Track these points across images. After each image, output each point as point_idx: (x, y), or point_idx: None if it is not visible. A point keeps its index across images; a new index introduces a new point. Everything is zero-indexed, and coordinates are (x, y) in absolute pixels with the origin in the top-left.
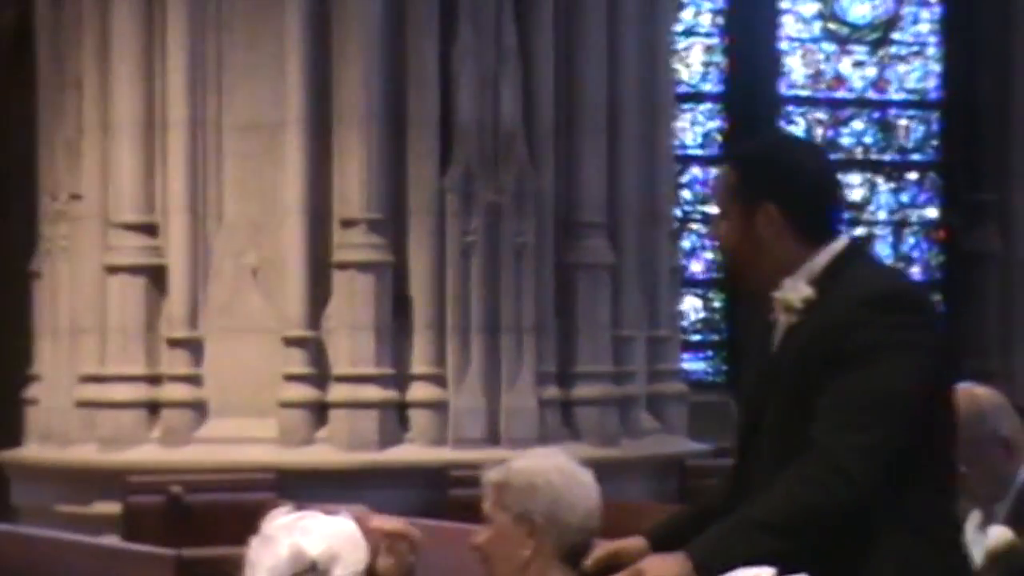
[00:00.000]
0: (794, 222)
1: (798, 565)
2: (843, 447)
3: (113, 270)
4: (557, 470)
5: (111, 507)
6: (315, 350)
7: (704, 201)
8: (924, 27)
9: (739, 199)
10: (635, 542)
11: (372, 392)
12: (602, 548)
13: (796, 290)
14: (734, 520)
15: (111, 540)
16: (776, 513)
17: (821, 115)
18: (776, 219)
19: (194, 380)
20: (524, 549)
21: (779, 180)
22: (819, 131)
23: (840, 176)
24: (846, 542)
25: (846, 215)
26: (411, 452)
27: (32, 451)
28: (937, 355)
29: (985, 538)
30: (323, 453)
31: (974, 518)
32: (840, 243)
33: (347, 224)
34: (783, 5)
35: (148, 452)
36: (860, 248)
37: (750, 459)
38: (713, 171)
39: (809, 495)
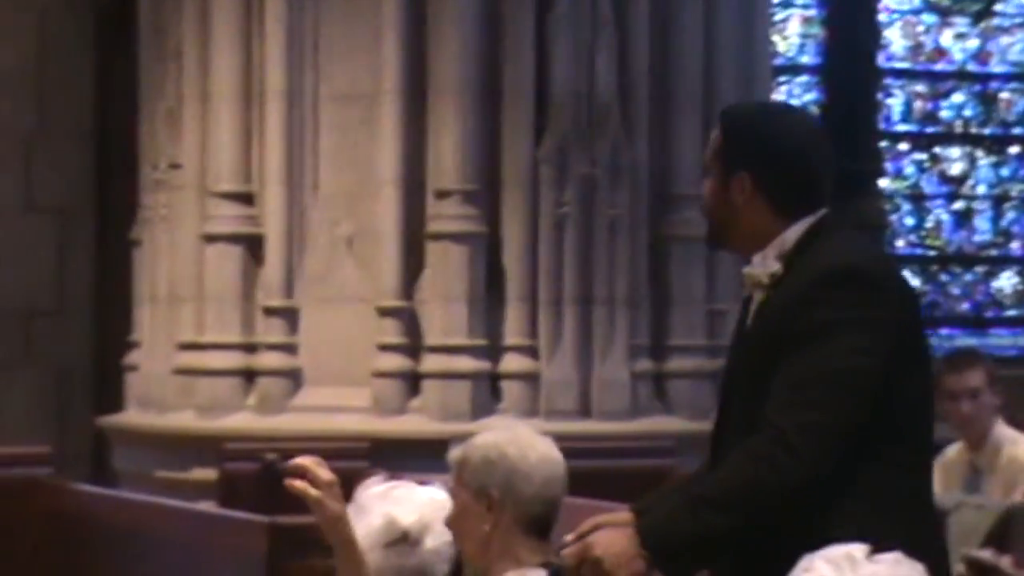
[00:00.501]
0: (767, 194)
1: (751, 543)
2: (792, 424)
3: (211, 239)
4: (512, 443)
5: (207, 473)
6: (408, 320)
7: None
8: None
9: (720, 162)
10: (623, 515)
11: (465, 363)
12: (589, 520)
13: (764, 265)
14: (682, 495)
15: (207, 506)
16: (720, 489)
17: (921, 88)
18: (749, 189)
19: (289, 349)
20: (485, 524)
21: (756, 150)
22: (918, 104)
23: (940, 149)
24: (801, 520)
25: (859, 185)
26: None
27: (132, 417)
28: (899, 332)
29: None
30: (416, 423)
31: None
32: (814, 217)
33: (441, 195)
34: None
35: (244, 419)
36: (833, 222)
37: (725, 437)
38: None
39: (754, 471)
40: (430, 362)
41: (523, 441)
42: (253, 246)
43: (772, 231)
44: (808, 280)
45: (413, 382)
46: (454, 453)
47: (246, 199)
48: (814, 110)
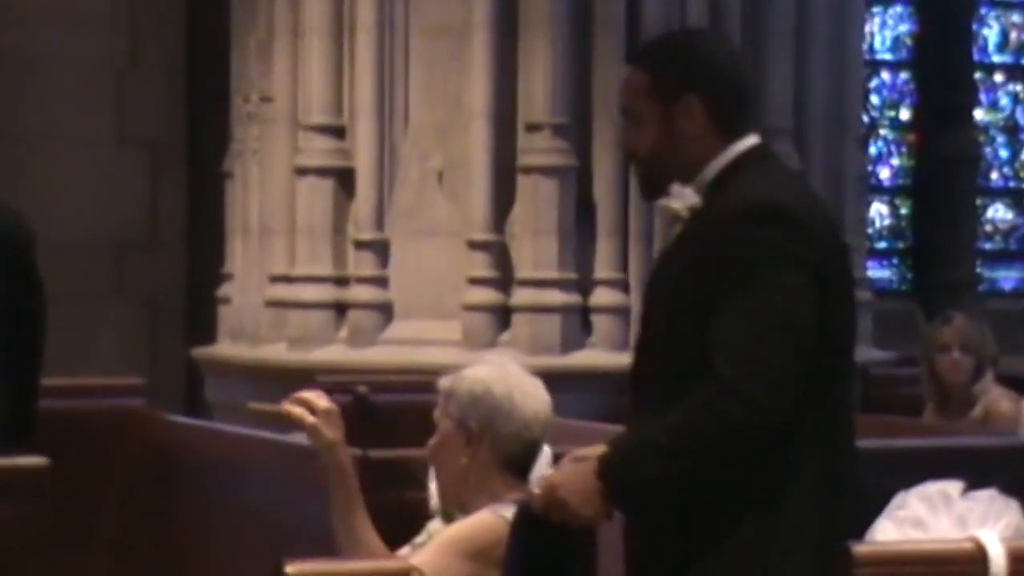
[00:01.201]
0: (718, 113)
1: (709, 492)
2: (739, 376)
3: (302, 172)
4: (500, 380)
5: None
6: (499, 254)
7: (893, 106)
8: None
9: (655, 97)
10: (597, 449)
11: (555, 296)
12: (569, 455)
13: (682, 198)
14: (638, 439)
15: (299, 438)
16: (670, 437)
17: (1016, 18)
18: (699, 112)
19: (380, 282)
20: (462, 456)
21: (697, 70)
22: (1014, 35)
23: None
24: (761, 470)
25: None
26: (593, 357)
27: (224, 348)
28: (818, 273)
29: None
30: (506, 356)
31: None
32: (746, 142)
33: (532, 128)
34: None
35: (335, 352)
36: (760, 151)
37: (634, 369)
38: (903, 76)
39: (705, 422)
40: (520, 295)
41: (511, 380)
42: (344, 179)
43: (708, 158)
44: (728, 216)
45: (503, 315)
46: (444, 382)
47: (337, 132)
48: (907, 41)
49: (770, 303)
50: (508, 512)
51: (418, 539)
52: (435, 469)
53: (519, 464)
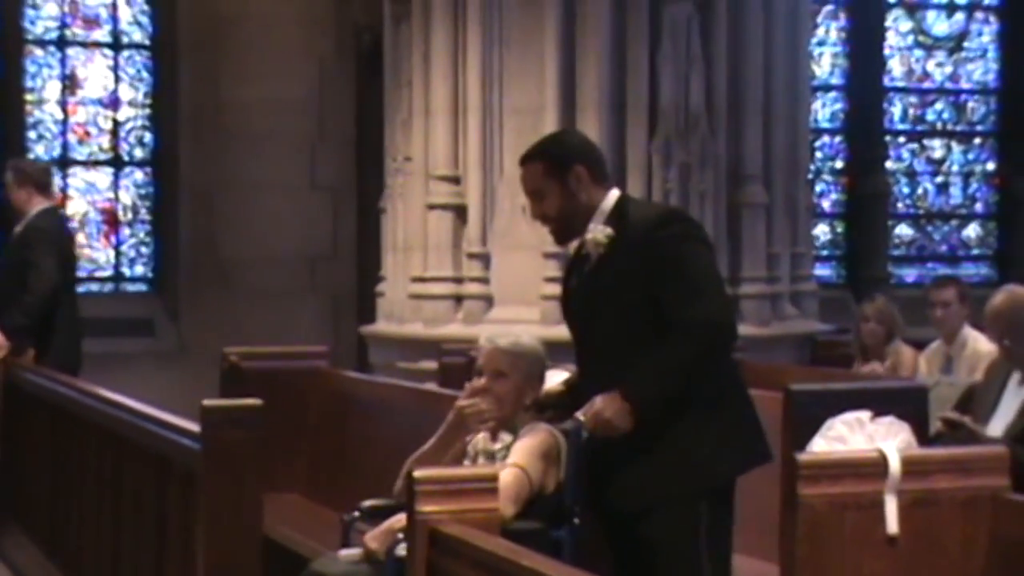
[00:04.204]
0: (593, 173)
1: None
2: (708, 312)
3: (432, 207)
4: (541, 348)
5: (431, 364)
6: (564, 260)
7: (831, 159)
8: (985, 38)
9: (552, 175)
10: (558, 388)
11: None
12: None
13: (600, 231)
14: (646, 369)
15: (431, 386)
16: (672, 359)
17: (913, 99)
18: (584, 175)
19: (484, 281)
20: (527, 399)
21: (575, 151)
22: (911, 111)
23: (926, 141)
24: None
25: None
26: None
27: (381, 326)
28: (711, 247)
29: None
30: (568, 332)
31: (1015, 377)
32: (614, 191)
33: None
34: (887, 24)
35: (455, 328)
36: (626, 194)
37: (590, 345)
38: (837, 139)
39: (697, 347)
40: None
41: (541, 351)
42: (460, 212)
43: (596, 204)
44: (646, 230)
45: None
46: (504, 343)
47: (455, 180)
48: (840, 115)
49: (696, 264)
50: (555, 430)
51: (495, 445)
52: (499, 407)
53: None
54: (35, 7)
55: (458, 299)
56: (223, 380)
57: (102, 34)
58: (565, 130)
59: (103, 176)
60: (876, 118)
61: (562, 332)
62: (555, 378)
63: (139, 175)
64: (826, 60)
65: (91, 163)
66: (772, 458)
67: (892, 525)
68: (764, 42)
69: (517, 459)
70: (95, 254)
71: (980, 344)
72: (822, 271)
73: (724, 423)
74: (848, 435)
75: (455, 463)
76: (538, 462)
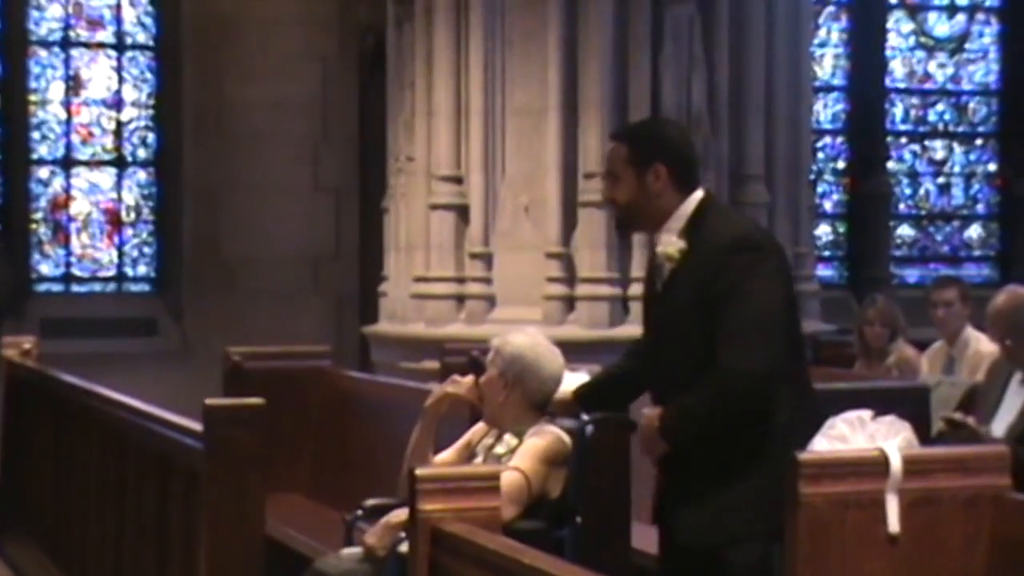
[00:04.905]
0: (676, 176)
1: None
2: (739, 359)
3: (434, 207)
4: (531, 348)
5: (433, 364)
6: (566, 261)
7: (833, 160)
8: (986, 39)
9: (632, 163)
10: (568, 396)
11: (605, 289)
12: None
13: (672, 244)
14: (681, 408)
15: (433, 386)
16: (702, 404)
17: (915, 100)
18: (664, 175)
19: (486, 281)
20: (500, 396)
21: (662, 145)
22: (912, 112)
23: (927, 142)
24: (751, 425)
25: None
26: (631, 330)
27: (384, 326)
28: (783, 280)
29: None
30: (572, 331)
31: (1017, 377)
32: (697, 195)
33: (588, 176)
34: (889, 25)
35: (457, 328)
36: (712, 199)
37: (657, 355)
38: (839, 140)
39: (725, 395)
40: (581, 289)
41: (539, 350)
42: (462, 212)
43: (672, 208)
44: (716, 252)
45: (569, 303)
46: (496, 341)
47: (457, 181)
48: (842, 116)
49: (752, 305)
50: (564, 435)
51: (499, 448)
52: (483, 400)
53: (540, 405)
54: (39, 8)
55: (460, 299)
56: (226, 380)
57: (106, 35)
58: (667, 121)
59: (106, 176)
60: (878, 119)
61: (565, 332)
62: (574, 379)
63: (142, 175)
64: (828, 61)
65: (94, 163)
66: None
67: (893, 524)
68: (766, 43)
69: (519, 462)
70: (98, 254)
71: (982, 344)
72: (824, 272)
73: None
74: (849, 434)
75: (463, 464)
76: (540, 466)
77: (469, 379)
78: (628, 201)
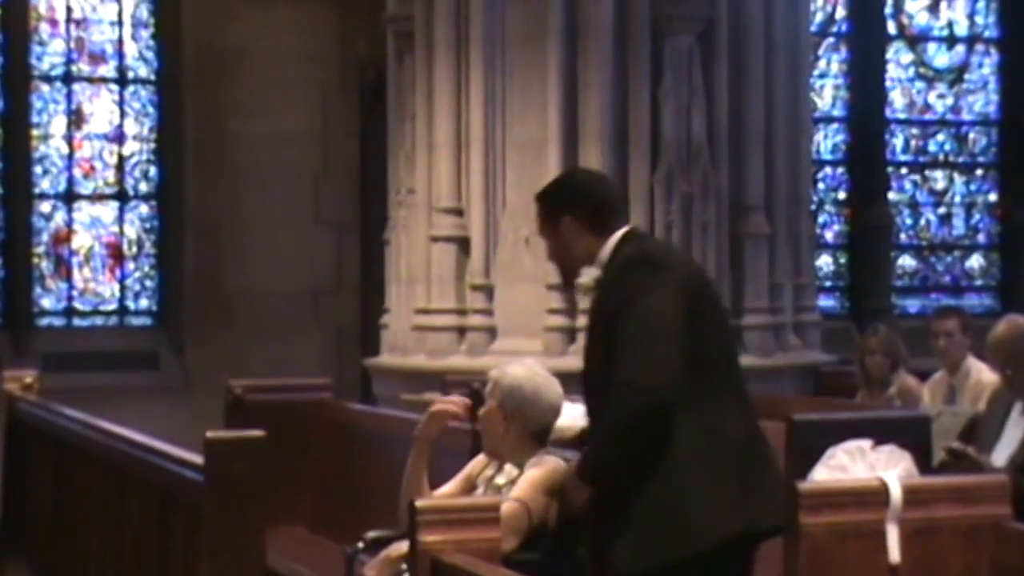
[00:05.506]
0: (587, 223)
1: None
2: (628, 372)
3: (435, 239)
4: (529, 380)
5: (435, 396)
6: (567, 293)
7: (834, 191)
8: (986, 70)
9: (547, 219)
10: (572, 432)
11: None
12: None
13: (589, 275)
14: (592, 441)
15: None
16: (604, 433)
17: (915, 131)
18: (572, 225)
19: (488, 312)
20: (500, 427)
21: (569, 198)
22: (913, 142)
23: (928, 172)
24: (655, 441)
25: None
26: None
27: (385, 358)
28: (681, 293)
29: None
30: (573, 362)
31: (1018, 407)
32: (618, 234)
33: None
34: (889, 56)
35: (458, 360)
36: (633, 233)
37: (585, 383)
38: (839, 171)
39: (615, 413)
40: (582, 320)
41: (537, 380)
42: (463, 244)
43: (595, 251)
44: (609, 274)
45: (571, 334)
46: (494, 373)
47: (458, 213)
48: (842, 147)
49: (634, 320)
50: (564, 465)
51: (500, 479)
52: (482, 432)
53: (539, 435)
54: (42, 43)
55: (461, 331)
56: (227, 412)
57: (108, 69)
58: (572, 171)
59: (108, 210)
60: (878, 149)
61: (565, 363)
62: (574, 410)
63: (144, 209)
64: (828, 92)
65: (96, 197)
66: (773, 524)
67: (894, 554)
68: (765, 74)
69: (519, 492)
70: (100, 288)
71: (983, 374)
72: (825, 302)
73: (709, 481)
74: (849, 464)
75: (465, 495)
76: (540, 496)
77: (455, 396)
78: (553, 254)
